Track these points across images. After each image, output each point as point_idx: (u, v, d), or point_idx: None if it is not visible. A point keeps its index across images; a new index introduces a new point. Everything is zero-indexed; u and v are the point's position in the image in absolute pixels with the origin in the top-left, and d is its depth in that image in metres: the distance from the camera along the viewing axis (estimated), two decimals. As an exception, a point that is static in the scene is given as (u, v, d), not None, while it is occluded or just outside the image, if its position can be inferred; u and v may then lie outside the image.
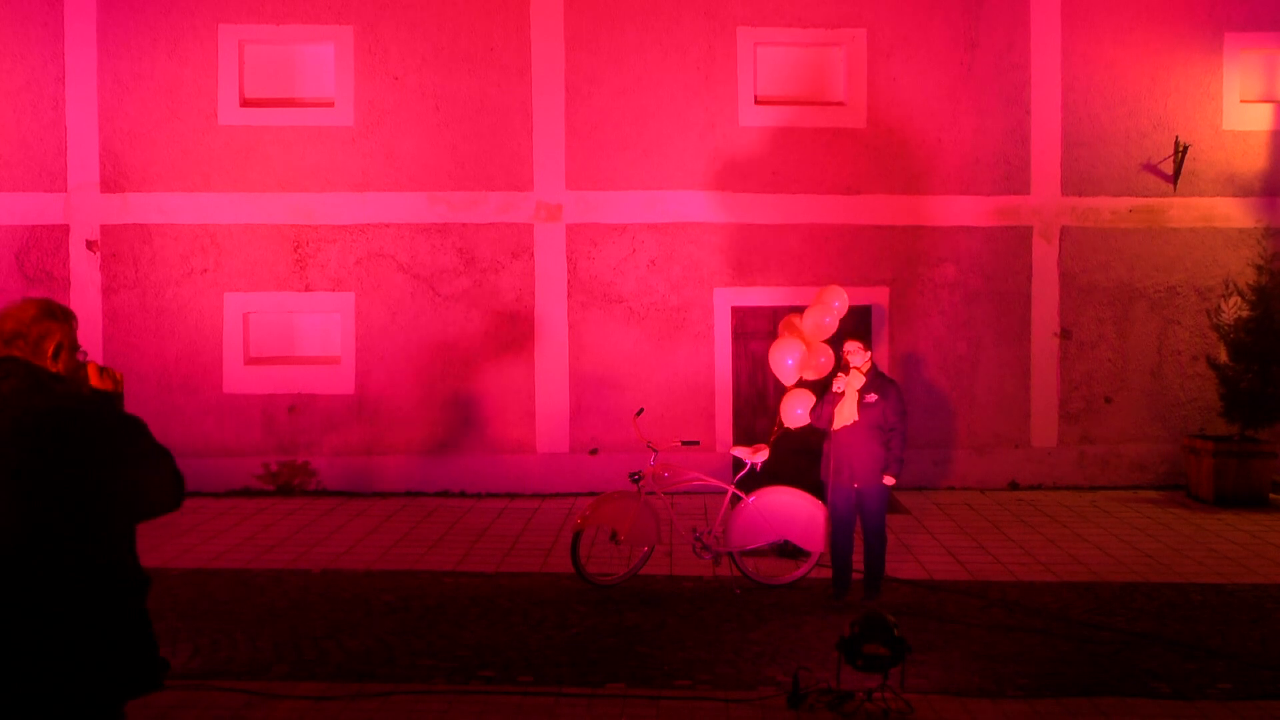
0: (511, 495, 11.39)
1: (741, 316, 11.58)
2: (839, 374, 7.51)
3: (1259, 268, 11.51)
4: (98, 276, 11.43)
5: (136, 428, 3.09)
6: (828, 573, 7.72)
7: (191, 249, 11.47)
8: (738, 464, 8.72)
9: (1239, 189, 11.76)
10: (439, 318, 11.52)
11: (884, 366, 11.23)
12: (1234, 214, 11.76)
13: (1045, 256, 11.76)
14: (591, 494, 11.04)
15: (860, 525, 7.61)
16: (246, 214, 11.46)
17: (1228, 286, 11.58)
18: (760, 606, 7.39)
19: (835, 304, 8.41)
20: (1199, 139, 11.67)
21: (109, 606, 2.98)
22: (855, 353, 7.48)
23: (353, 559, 8.71)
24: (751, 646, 6.55)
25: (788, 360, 8.24)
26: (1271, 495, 10.92)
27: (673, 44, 11.52)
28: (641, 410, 8.50)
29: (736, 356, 11.58)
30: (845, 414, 7.45)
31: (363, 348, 11.52)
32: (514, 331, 11.55)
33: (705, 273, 11.59)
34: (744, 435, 11.29)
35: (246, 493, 11.40)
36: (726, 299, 11.58)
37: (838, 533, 7.60)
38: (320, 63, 11.61)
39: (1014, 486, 11.77)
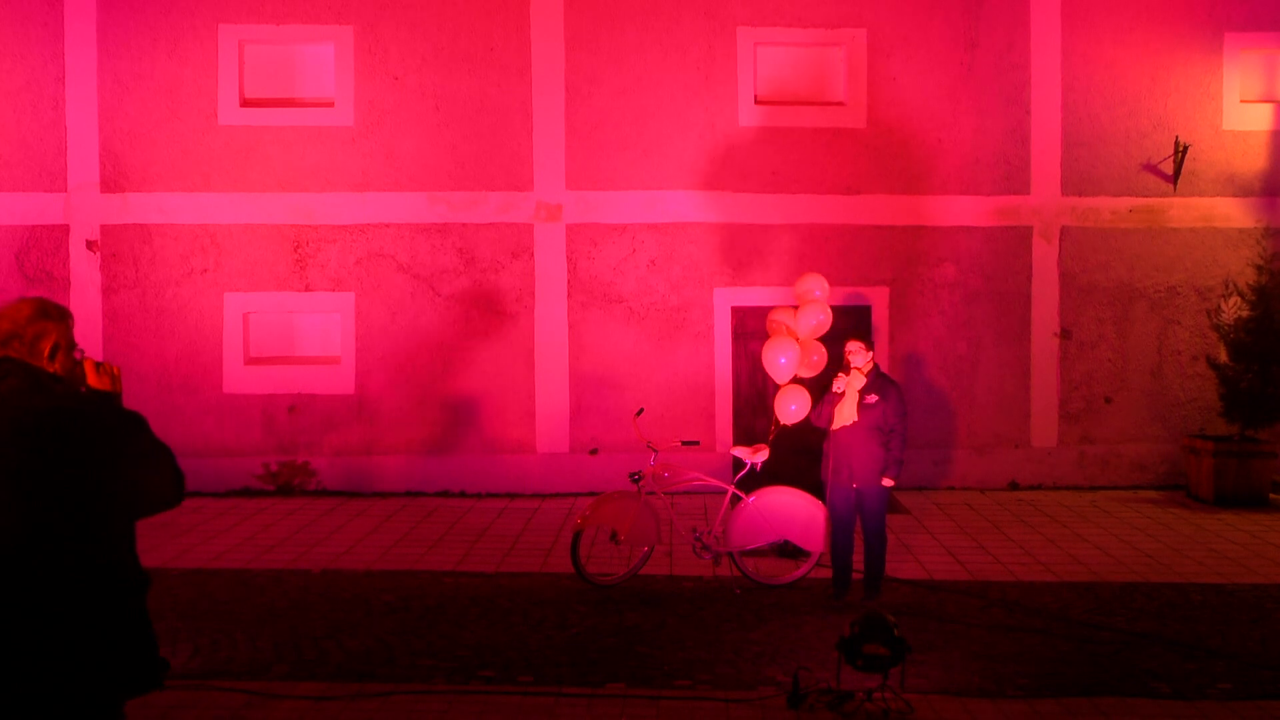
0: (511, 495, 11.39)
1: (741, 316, 11.57)
2: (839, 374, 7.50)
3: (1259, 268, 11.51)
4: (98, 276, 11.43)
5: (136, 425, 3.08)
6: (828, 573, 7.72)
7: (191, 249, 11.47)
8: (738, 464, 8.72)
9: (1239, 189, 11.76)
10: (439, 318, 11.52)
11: (884, 366, 11.21)
12: (1234, 214, 11.77)
13: (1045, 256, 11.76)
14: (591, 494, 11.04)
15: (860, 525, 7.61)
16: (246, 214, 11.46)
17: (1228, 286, 11.58)
18: (760, 606, 7.39)
19: (816, 293, 8.42)
20: (1199, 139, 11.67)
21: (109, 606, 2.98)
22: (857, 353, 7.47)
23: (353, 559, 8.71)
24: (751, 646, 6.55)
25: (780, 359, 8.26)
26: (1271, 495, 10.92)
27: (673, 44, 11.52)
28: (641, 410, 8.50)
29: (736, 356, 11.58)
30: (845, 414, 7.45)
31: (363, 348, 11.52)
32: (514, 332, 11.55)
33: (705, 273, 11.59)
34: (744, 435, 11.29)
35: (246, 493, 11.40)
36: (726, 299, 11.58)
37: (838, 533, 7.60)
38: (320, 63, 11.61)
39: (1014, 486, 11.77)
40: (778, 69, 11.77)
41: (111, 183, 11.43)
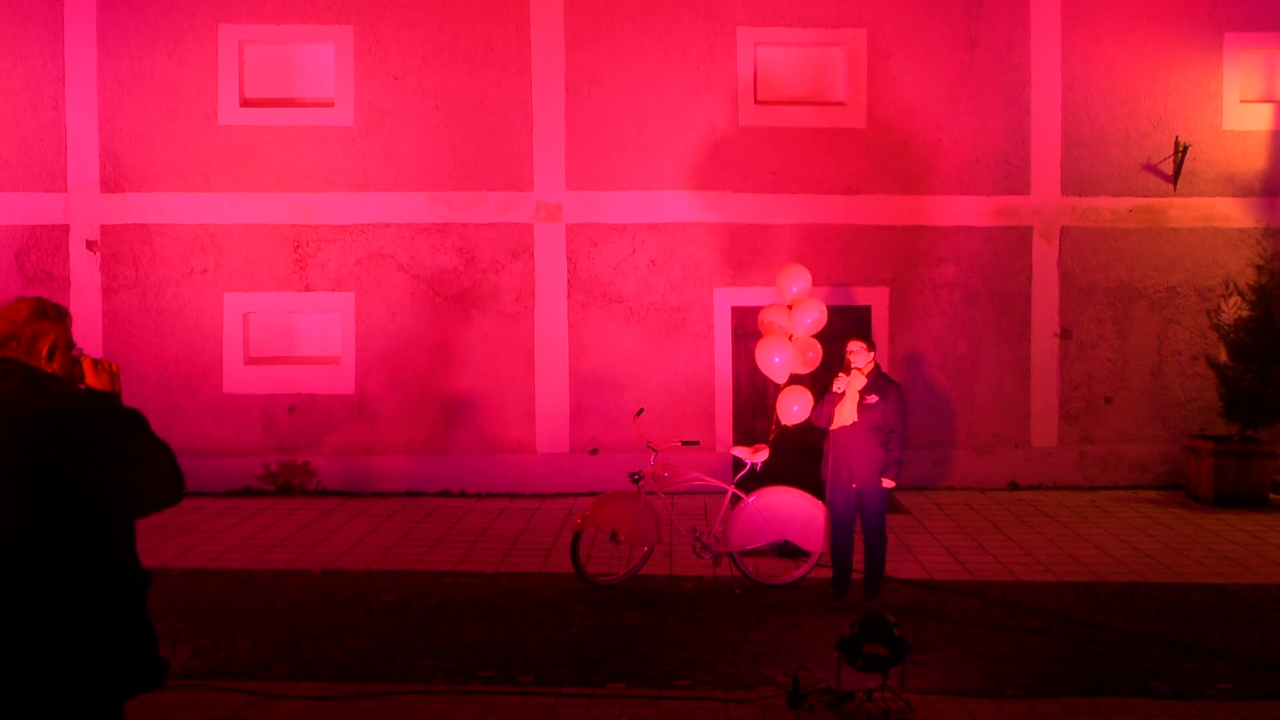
0: (511, 495, 11.39)
1: (741, 316, 11.57)
2: (840, 374, 7.50)
3: (1259, 268, 11.51)
4: (98, 276, 11.43)
5: (136, 425, 3.08)
6: (828, 573, 7.72)
7: (191, 249, 11.47)
8: (738, 464, 8.72)
9: (1239, 189, 11.76)
10: (439, 318, 11.52)
11: (884, 366, 11.20)
12: (1234, 214, 11.77)
13: (1045, 256, 11.76)
14: (591, 494, 11.04)
15: (860, 525, 7.61)
16: (246, 214, 11.46)
17: (1228, 286, 11.58)
18: (760, 606, 7.39)
19: (794, 289, 8.43)
20: (1199, 139, 11.67)
21: (109, 606, 2.98)
22: (858, 353, 7.47)
23: (353, 559, 8.71)
24: (751, 646, 6.55)
25: (774, 359, 8.28)
26: (1271, 495, 10.92)
27: (673, 44, 11.52)
28: (641, 410, 8.50)
29: (736, 356, 11.58)
30: (845, 414, 7.45)
31: (363, 348, 11.52)
32: (514, 331, 11.55)
33: (705, 273, 11.59)
34: (744, 435, 11.29)
35: (246, 493, 11.40)
36: (726, 299, 11.58)
37: (837, 533, 7.59)
38: (320, 63, 11.61)
39: (1014, 486, 11.77)
40: (778, 69, 11.77)
41: (111, 183, 11.43)
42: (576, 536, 7.68)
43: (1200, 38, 11.71)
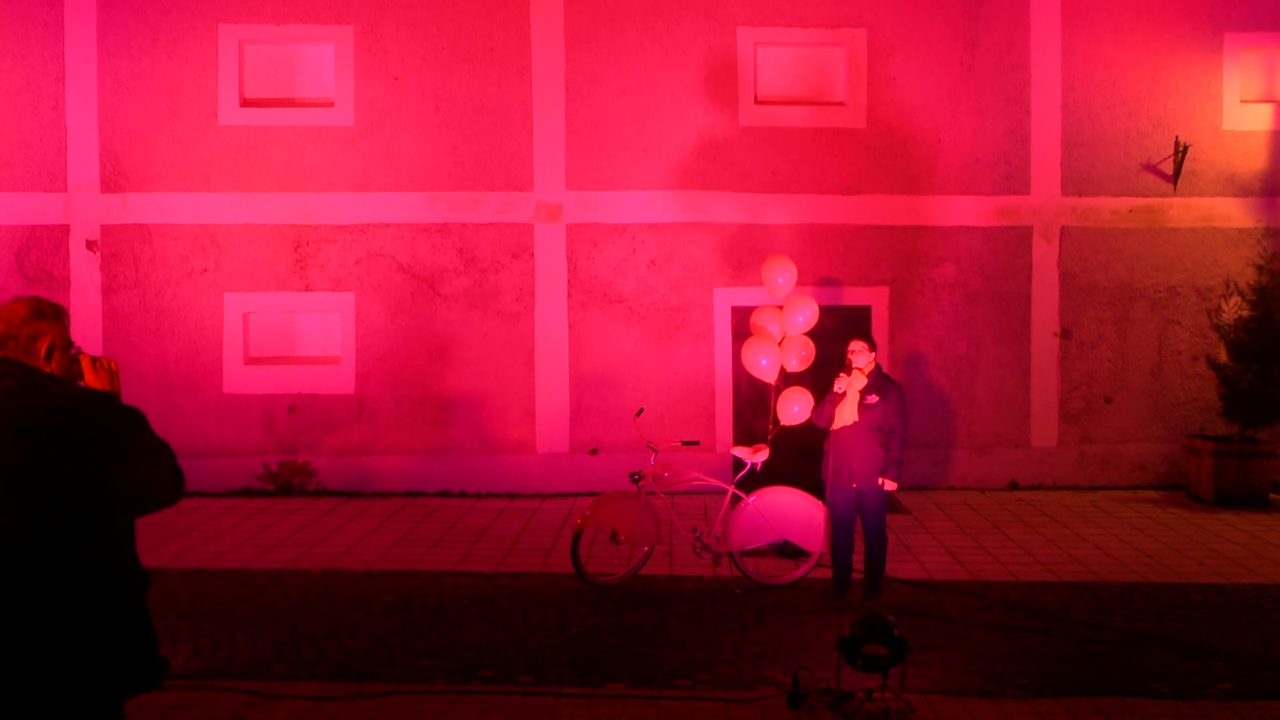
0: (511, 495, 11.39)
1: (741, 316, 11.55)
2: (841, 374, 7.50)
3: (1259, 268, 11.51)
4: (98, 276, 11.43)
5: (135, 424, 3.07)
6: (828, 573, 7.72)
7: (191, 249, 11.47)
8: (738, 464, 8.72)
9: (1239, 189, 11.76)
10: (439, 318, 11.52)
11: (884, 366, 11.20)
12: (1234, 214, 11.76)
13: (1045, 256, 11.76)
14: (591, 494, 11.04)
15: (860, 525, 7.61)
16: (246, 214, 11.46)
17: (1228, 286, 11.58)
18: (760, 606, 7.39)
19: (780, 280, 8.46)
20: (1199, 139, 11.67)
21: (109, 606, 2.98)
22: (859, 353, 7.47)
23: (353, 559, 8.71)
24: (751, 646, 6.55)
25: (761, 361, 8.34)
26: (1271, 495, 10.92)
27: (673, 44, 11.52)
28: (641, 410, 8.50)
29: (736, 356, 11.49)
30: (846, 414, 7.45)
31: (363, 348, 11.52)
32: (514, 331, 11.55)
33: (705, 273, 11.59)
34: (744, 435, 11.29)
35: (246, 493, 11.40)
36: (726, 299, 11.58)
37: (838, 533, 7.59)
38: (320, 63, 11.61)
39: (1014, 486, 11.76)
40: (778, 69, 11.77)
41: (111, 183, 11.43)
42: (576, 536, 7.68)
43: (1200, 38, 11.71)
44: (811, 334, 8.52)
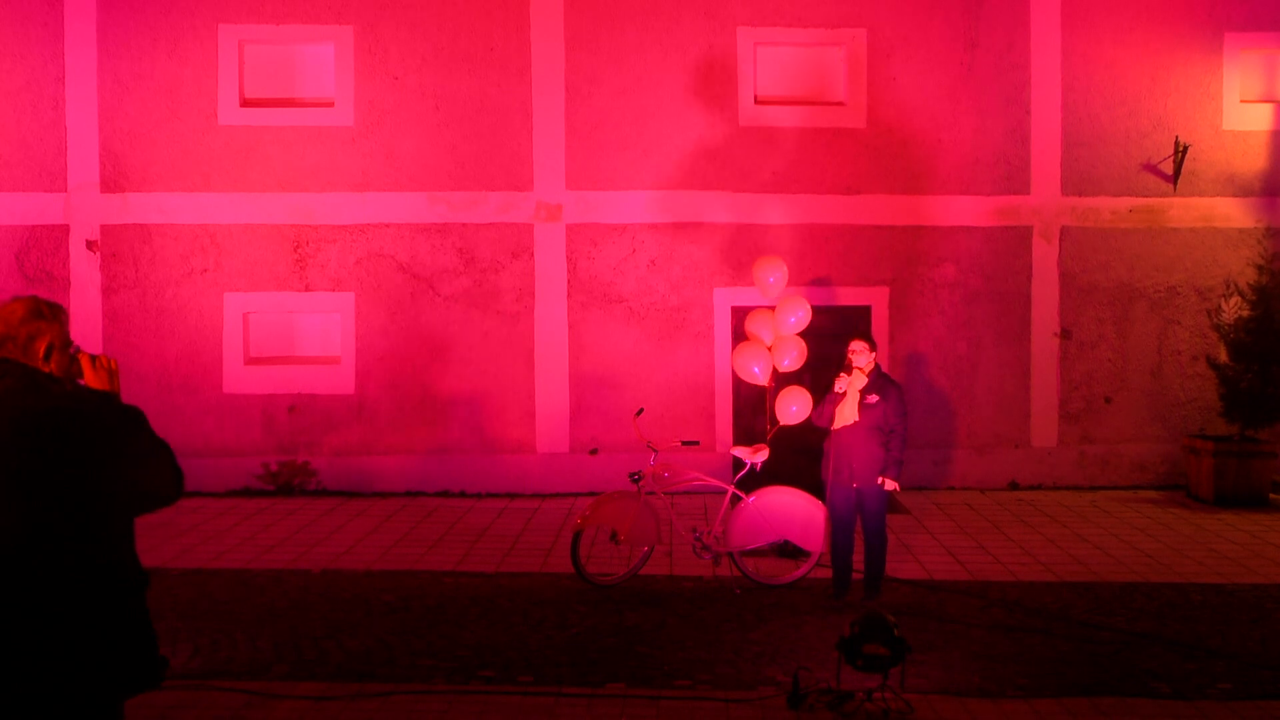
0: (511, 495, 11.39)
1: (741, 316, 11.49)
2: (841, 373, 7.50)
3: (1259, 268, 11.51)
4: (98, 276, 11.43)
5: (135, 423, 3.07)
6: (828, 573, 7.72)
7: (191, 249, 11.47)
8: (738, 464, 8.72)
9: (1239, 189, 11.76)
10: (439, 318, 11.52)
11: (884, 366, 11.20)
12: (1234, 214, 11.76)
13: (1045, 256, 11.76)
14: (591, 494, 11.04)
15: (860, 525, 7.61)
16: (246, 214, 11.46)
17: (1228, 286, 11.58)
18: (760, 606, 7.39)
19: (770, 279, 8.47)
20: (1199, 139, 11.67)
21: (109, 605, 2.98)
22: (859, 353, 7.47)
23: (353, 559, 8.71)
24: (751, 646, 6.54)
25: (753, 369, 8.36)
26: (1271, 495, 10.92)
27: (673, 44, 11.52)
28: (641, 410, 8.50)
29: (736, 356, 11.56)
30: (846, 414, 7.45)
31: (363, 348, 11.52)
32: (514, 331, 11.55)
33: (705, 273, 11.59)
34: (744, 435, 11.29)
35: (246, 493, 11.40)
36: (726, 299, 11.58)
37: (838, 533, 7.59)
38: (320, 63, 11.61)
39: (1014, 486, 11.76)
40: (778, 69, 11.77)
41: (111, 183, 11.43)
42: (576, 536, 7.68)
43: (1200, 38, 11.71)
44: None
